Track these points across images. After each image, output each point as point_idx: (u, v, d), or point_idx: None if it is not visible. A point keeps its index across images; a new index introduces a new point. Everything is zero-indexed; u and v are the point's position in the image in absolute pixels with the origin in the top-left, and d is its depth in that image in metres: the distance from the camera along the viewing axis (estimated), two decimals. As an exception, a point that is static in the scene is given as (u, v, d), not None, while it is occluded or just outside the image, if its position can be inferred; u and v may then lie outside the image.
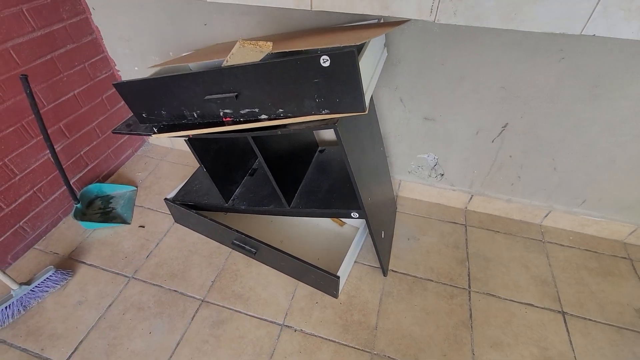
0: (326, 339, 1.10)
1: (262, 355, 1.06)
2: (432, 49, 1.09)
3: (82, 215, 1.43)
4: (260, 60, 0.81)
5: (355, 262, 1.30)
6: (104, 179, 1.63)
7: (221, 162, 1.24)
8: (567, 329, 1.13)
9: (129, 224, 1.44)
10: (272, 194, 1.25)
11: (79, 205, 1.42)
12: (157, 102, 0.95)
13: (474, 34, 1.03)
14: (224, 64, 0.85)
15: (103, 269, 1.28)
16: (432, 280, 1.25)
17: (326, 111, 0.83)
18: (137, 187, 1.61)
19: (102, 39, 1.47)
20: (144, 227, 1.43)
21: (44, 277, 1.16)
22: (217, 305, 1.18)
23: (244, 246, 1.25)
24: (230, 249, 1.35)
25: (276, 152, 1.11)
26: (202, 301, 1.19)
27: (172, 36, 1.36)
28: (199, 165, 1.58)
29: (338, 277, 1.11)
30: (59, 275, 1.20)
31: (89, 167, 1.55)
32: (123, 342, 1.08)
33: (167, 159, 1.77)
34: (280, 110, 0.86)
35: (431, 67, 1.14)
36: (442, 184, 1.48)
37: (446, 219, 1.48)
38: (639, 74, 0.97)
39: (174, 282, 1.24)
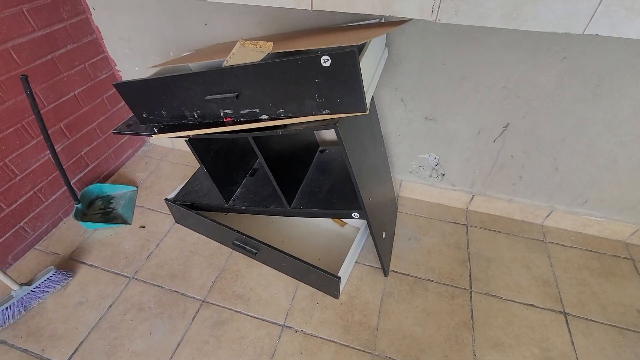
0: (327, 339, 1.09)
1: (263, 355, 1.06)
2: (433, 48, 1.09)
3: (82, 216, 1.43)
4: (261, 60, 0.81)
5: (356, 262, 1.30)
6: (104, 179, 1.63)
7: (222, 162, 1.24)
8: (569, 329, 1.13)
9: (130, 224, 1.44)
10: (273, 194, 1.25)
11: (79, 205, 1.42)
12: (158, 102, 0.95)
13: (475, 34, 1.02)
14: (225, 64, 0.85)
15: (104, 270, 1.28)
16: (433, 281, 1.25)
17: (327, 111, 0.83)
18: (137, 187, 1.61)
19: (102, 39, 1.47)
20: (144, 227, 1.43)
21: (45, 277, 1.16)
22: (218, 305, 1.18)
23: (245, 246, 1.25)
24: (231, 250, 1.34)
25: (277, 153, 1.10)
26: (203, 302, 1.19)
27: (173, 36, 1.35)
28: (199, 166, 1.58)
29: (339, 278, 1.11)
30: (60, 276, 1.20)
31: (90, 168, 1.55)
32: (124, 342, 1.08)
33: (168, 159, 1.77)
34: (281, 110, 0.86)
35: (432, 67, 1.13)
36: (443, 184, 1.48)
37: (447, 219, 1.48)
38: (641, 73, 0.97)
39: (175, 283, 1.24)
